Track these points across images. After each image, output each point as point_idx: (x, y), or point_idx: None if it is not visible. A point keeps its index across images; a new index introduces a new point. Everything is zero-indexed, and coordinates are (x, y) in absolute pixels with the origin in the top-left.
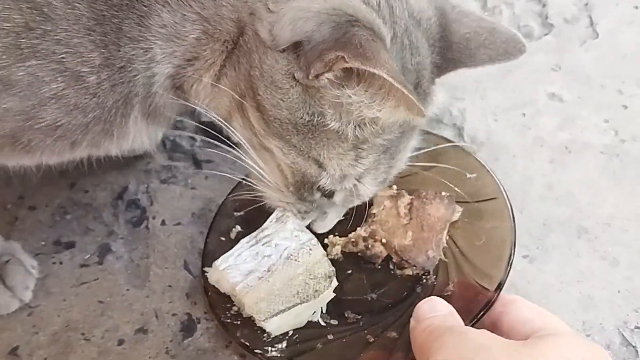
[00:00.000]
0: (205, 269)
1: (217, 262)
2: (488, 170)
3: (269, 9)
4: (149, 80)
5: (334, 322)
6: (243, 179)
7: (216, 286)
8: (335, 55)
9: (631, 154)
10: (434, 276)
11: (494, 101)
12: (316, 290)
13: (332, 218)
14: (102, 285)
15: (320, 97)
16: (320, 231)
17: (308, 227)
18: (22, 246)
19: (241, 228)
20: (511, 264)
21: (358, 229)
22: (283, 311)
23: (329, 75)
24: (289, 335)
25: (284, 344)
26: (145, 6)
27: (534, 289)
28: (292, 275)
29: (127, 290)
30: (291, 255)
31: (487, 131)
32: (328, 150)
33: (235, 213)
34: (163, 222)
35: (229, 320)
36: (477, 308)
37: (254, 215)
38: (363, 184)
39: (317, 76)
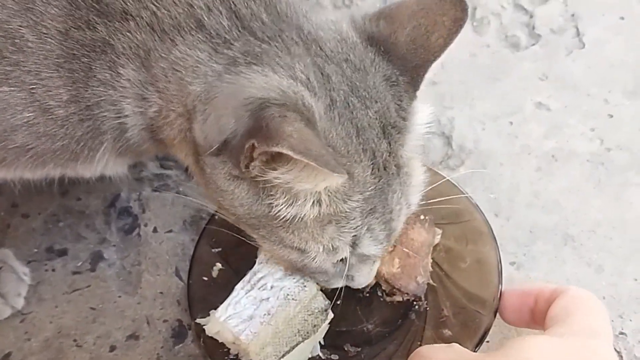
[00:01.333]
0: (199, 320)
1: (216, 314)
2: (463, 192)
3: (197, 108)
4: (120, 126)
5: (334, 357)
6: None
7: (215, 337)
8: (250, 144)
9: (616, 162)
10: (425, 301)
11: (482, 110)
12: (315, 325)
13: (366, 273)
14: (94, 292)
15: (268, 186)
16: (362, 286)
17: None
18: (15, 253)
19: (222, 265)
20: (501, 285)
21: None
22: (288, 352)
23: (256, 163)
24: None
25: None
26: (116, 56)
27: None
28: (291, 314)
29: (119, 297)
30: (288, 294)
31: (475, 139)
32: (299, 234)
33: (213, 250)
34: (155, 230)
35: None
36: (477, 333)
37: (233, 249)
38: (362, 249)
39: (246, 168)
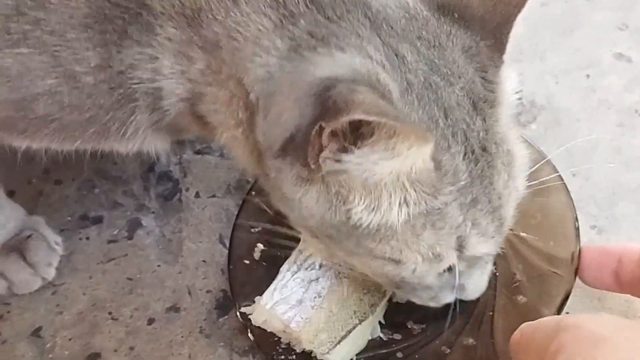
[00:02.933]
0: (244, 309)
1: (261, 301)
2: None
3: (260, 103)
4: (156, 92)
5: (397, 336)
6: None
7: (263, 327)
8: (316, 130)
9: None
10: (494, 266)
11: (554, 63)
12: (372, 304)
13: (478, 279)
14: (132, 261)
15: (343, 190)
16: (476, 297)
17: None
18: (47, 222)
19: (264, 246)
20: (579, 240)
21: None
22: (345, 337)
23: (327, 153)
24: None
25: None
26: (153, 17)
27: None
28: (345, 294)
29: (158, 266)
30: (340, 272)
31: (547, 94)
32: (389, 243)
33: (252, 230)
34: (197, 195)
35: (282, 357)
36: (556, 299)
37: (274, 229)
38: (470, 249)
39: (316, 162)
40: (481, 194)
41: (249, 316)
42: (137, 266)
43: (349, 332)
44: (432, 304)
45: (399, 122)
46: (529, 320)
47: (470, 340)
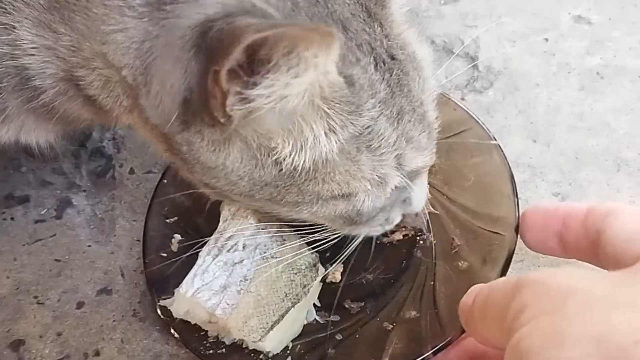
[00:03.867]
0: (163, 302)
1: (180, 290)
2: (451, 99)
3: (138, 80)
4: (21, 72)
5: (335, 318)
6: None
7: (186, 319)
8: (211, 78)
9: None
10: (430, 234)
11: (511, 27)
12: (304, 286)
13: (421, 188)
14: (60, 241)
15: (262, 138)
16: (421, 205)
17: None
18: None
19: (182, 236)
20: (517, 196)
21: None
22: (277, 322)
23: (232, 99)
24: (290, 348)
25: None
26: None
27: None
28: (274, 276)
29: (89, 246)
30: (266, 252)
31: (504, 59)
32: (334, 179)
33: (167, 220)
34: (131, 171)
35: (211, 352)
36: (499, 259)
37: (191, 217)
38: (409, 164)
39: (225, 114)
40: (405, 104)
41: (170, 309)
42: (66, 247)
43: (282, 316)
44: (387, 228)
45: (297, 26)
46: (472, 286)
47: (413, 313)
